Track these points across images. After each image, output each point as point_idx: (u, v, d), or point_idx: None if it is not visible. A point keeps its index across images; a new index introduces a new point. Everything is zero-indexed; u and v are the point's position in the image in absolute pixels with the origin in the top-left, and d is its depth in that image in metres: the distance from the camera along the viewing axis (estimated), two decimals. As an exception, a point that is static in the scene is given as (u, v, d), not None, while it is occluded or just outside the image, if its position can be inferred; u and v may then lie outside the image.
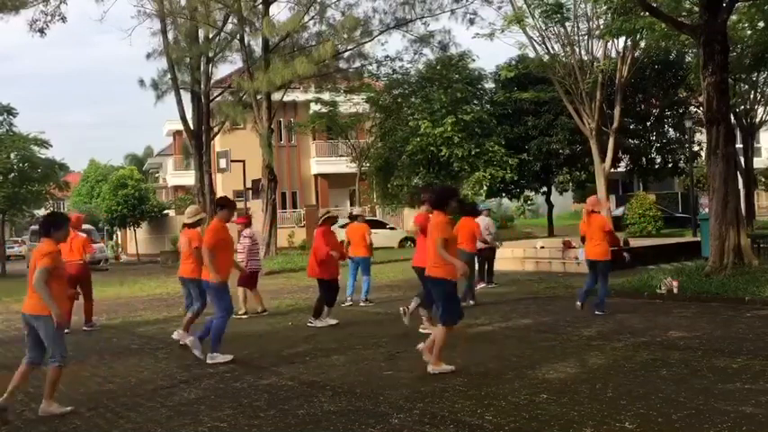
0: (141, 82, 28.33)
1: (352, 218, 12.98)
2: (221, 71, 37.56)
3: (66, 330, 9.88)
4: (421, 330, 8.84)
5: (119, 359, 8.41)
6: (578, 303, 10.15)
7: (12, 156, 29.35)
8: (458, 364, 7.06)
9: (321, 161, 41.70)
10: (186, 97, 27.63)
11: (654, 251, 17.58)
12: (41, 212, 49.78)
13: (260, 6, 24.35)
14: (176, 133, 43.39)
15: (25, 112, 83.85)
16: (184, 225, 9.55)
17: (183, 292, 9.76)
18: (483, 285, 13.63)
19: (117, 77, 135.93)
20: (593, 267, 10.02)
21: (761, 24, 20.09)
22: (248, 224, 11.86)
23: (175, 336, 9.21)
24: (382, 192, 29.65)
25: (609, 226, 10.34)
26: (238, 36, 25.33)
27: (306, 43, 25.77)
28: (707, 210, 15.14)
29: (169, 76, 27.19)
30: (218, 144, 32.44)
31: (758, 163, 37.92)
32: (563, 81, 22.75)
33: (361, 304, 12.10)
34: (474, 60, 28.46)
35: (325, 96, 30.35)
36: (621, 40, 22.26)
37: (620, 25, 17.39)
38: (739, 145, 24.00)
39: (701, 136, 25.35)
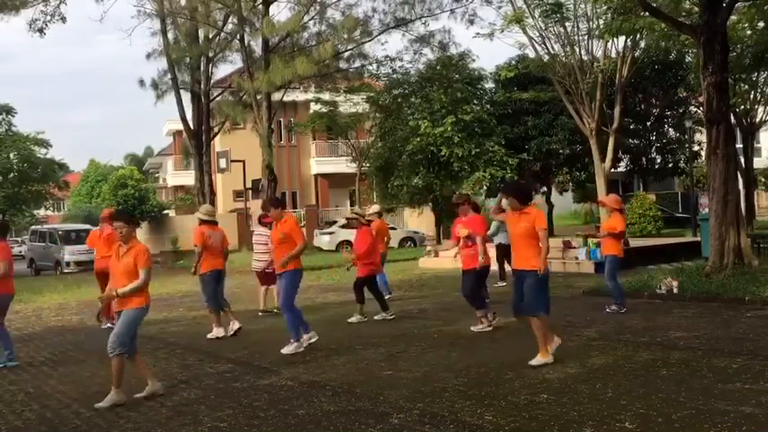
0: (141, 82, 28.38)
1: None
2: (221, 71, 37.59)
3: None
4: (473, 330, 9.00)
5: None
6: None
7: (11, 156, 29.42)
8: (458, 363, 7.07)
9: (321, 161, 41.71)
10: (186, 97, 27.68)
11: (654, 251, 17.57)
12: (41, 212, 49.91)
13: (260, 6, 24.36)
14: (176, 133, 43.41)
15: (25, 112, 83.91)
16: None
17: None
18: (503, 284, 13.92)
19: (117, 77, 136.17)
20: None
21: (761, 24, 20.09)
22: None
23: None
24: (382, 192, 29.63)
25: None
26: (238, 36, 25.36)
27: (306, 43, 25.80)
28: (707, 210, 15.14)
29: (169, 76, 27.23)
30: (218, 144, 32.46)
31: (758, 163, 37.92)
32: (563, 81, 22.74)
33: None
34: (474, 60, 28.48)
35: (326, 96, 30.39)
36: (621, 40, 22.25)
37: (620, 25, 17.38)
38: (739, 145, 23.97)
39: (701, 136, 25.34)
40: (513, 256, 7.18)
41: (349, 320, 10.35)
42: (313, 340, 8.40)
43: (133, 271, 6.21)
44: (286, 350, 8.13)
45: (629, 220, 26.34)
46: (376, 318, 10.37)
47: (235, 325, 9.73)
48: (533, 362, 6.84)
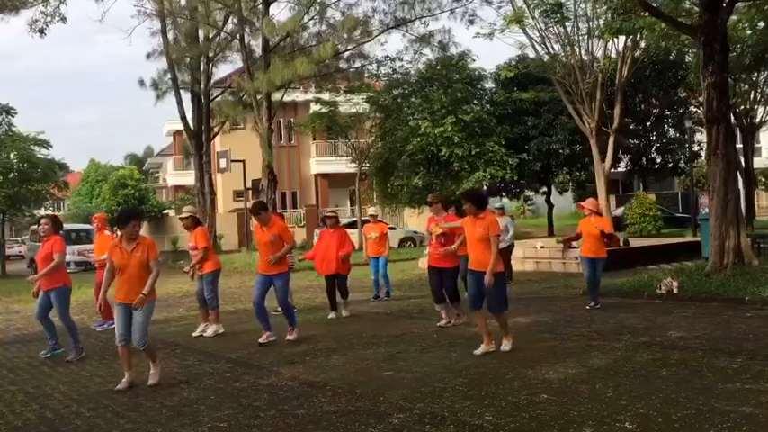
0: (141, 82, 28.40)
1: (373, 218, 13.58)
2: (221, 71, 37.53)
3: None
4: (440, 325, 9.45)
5: (119, 359, 8.38)
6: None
7: (12, 156, 29.35)
8: (458, 363, 7.08)
9: (321, 161, 41.71)
10: (186, 97, 27.68)
11: (654, 251, 17.58)
12: (41, 212, 50.00)
13: (260, 6, 24.36)
14: (176, 133, 43.42)
15: (25, 112, 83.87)
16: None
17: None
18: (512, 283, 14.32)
19: (117, 77, 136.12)
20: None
21: (761, 24, 20.11)
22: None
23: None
24: (382, 192, 29.62)
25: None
26: (238, 36, 25.35)
27: (306, 43, 25.79)
28: (707, 210, 15.15)
29: (169, 76, 27.23)
30: (218, 144, 32.46)
31: (758, 163, 37.90)
32: (563, 81, 22.72)
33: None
34: (474, 60, 28.46)
35: (326, 96, 30.39)
36: (621, 39, 22.24)
37: (619, 25, 17.39)
38: (739, 145, 24.00)
39: (701, 136, 25.36)
40: (471, 258, 7.62)
41: (344, 316, 10.85)
42: (272, 339, 8.85)
43: (145, 264, 6.71)
44: (291, 337, 8.88)
45: (628, 220, 26.44)
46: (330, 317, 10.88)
47: (209, 328, 9.99)
48: (503, 347, 7.57)
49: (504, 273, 7.66)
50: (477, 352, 7.49)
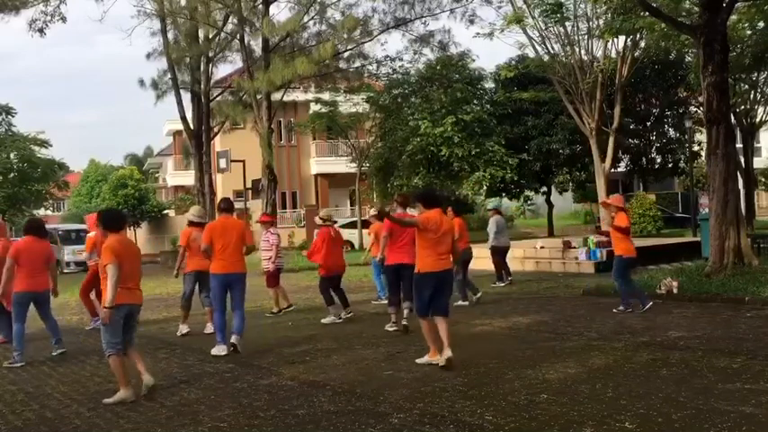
0: (141, 82, 28.34)
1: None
2: (221, 71, 37.51)
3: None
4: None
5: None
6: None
7: (12, 156, 29.40)
8: (458, 364, 7.08)
9: (321, 161, 41.69)
10: (186, 97, 27.63)
11: (654, 251, 17.57)
12: (41, 212, 50.04)
13: (260, 6, 24.34)
14: (176, 133, 43.38)
15: (25, 112, 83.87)
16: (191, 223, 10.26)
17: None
18: (501, 284, 14.32)
19: (117, 77, 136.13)
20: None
21: (761, 24, 20.11)
22: (274, 223, 12.28)
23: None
24: (382, 192, 29.61)
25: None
26: (238, 36, 25.31)
27: (306, 43, 25.76)
28: (707, 210, 15.15)
29: (169, 76, 27.19)
30: (218, 144, 32.41)
31: (758, 163, 37.89)
32: (563, 81, 22.74)
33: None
34: (474, 60, 28.49)
35: (326, 96, 30.37)
36: (621, 39, 22.27)
37: (619, 25, 17.40)
38: (739, 145, 23.98)
39: (700, 136, 25.33)
40: None
41: (322, 322, 10.53)
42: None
43: (102, 268, 6.33)
44: (214, 349, 8.39)
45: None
46: (324, 321, 10.52)
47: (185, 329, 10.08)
48: (419, 360, 7.10)
49: (419, 274, 7.05)
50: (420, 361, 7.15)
